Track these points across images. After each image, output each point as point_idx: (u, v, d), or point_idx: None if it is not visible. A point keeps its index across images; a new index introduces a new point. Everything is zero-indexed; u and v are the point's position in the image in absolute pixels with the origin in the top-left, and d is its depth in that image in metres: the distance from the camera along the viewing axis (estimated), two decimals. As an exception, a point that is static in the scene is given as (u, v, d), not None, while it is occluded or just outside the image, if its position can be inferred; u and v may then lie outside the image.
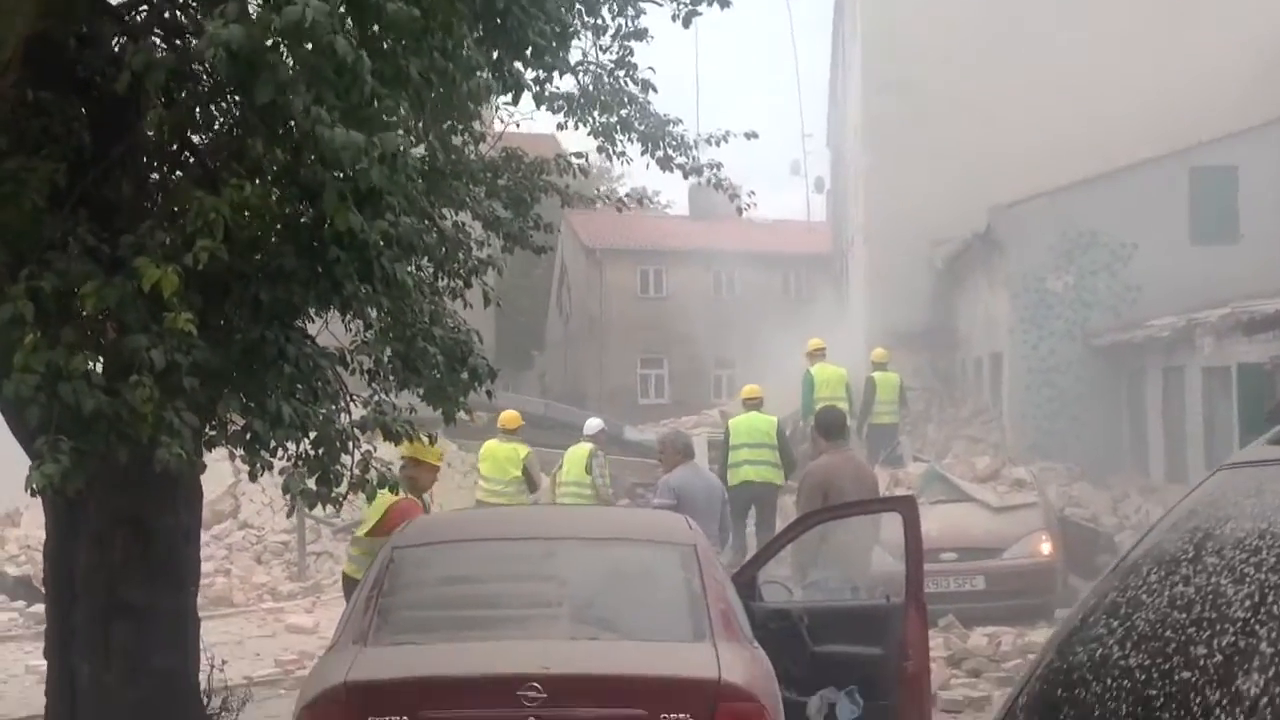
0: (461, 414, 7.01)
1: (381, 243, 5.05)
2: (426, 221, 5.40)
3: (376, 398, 6.32)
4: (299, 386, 5.54)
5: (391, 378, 6.45)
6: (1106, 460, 19.15)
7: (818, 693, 7.45)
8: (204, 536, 17.37)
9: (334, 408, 5.90)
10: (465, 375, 6.71)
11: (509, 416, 14.89)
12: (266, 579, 16.25)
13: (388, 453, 6.63)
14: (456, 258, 7.13)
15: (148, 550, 6.24)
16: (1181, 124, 19.80)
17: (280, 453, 5.62)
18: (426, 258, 6.07)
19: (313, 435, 5.61)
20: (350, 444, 5.81)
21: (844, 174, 32.78)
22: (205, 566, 16.50)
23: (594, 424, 15.64)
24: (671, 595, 6.09)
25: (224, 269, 4.88)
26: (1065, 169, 20.41)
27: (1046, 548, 13.81)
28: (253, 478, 5.74)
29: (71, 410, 4.66)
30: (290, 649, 12.47)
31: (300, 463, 5.65)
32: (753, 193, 9.83)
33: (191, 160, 5.75)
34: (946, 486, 14.70)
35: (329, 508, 5.93)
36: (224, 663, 8.82)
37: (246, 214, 4.79)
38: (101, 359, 4.95)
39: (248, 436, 5.41)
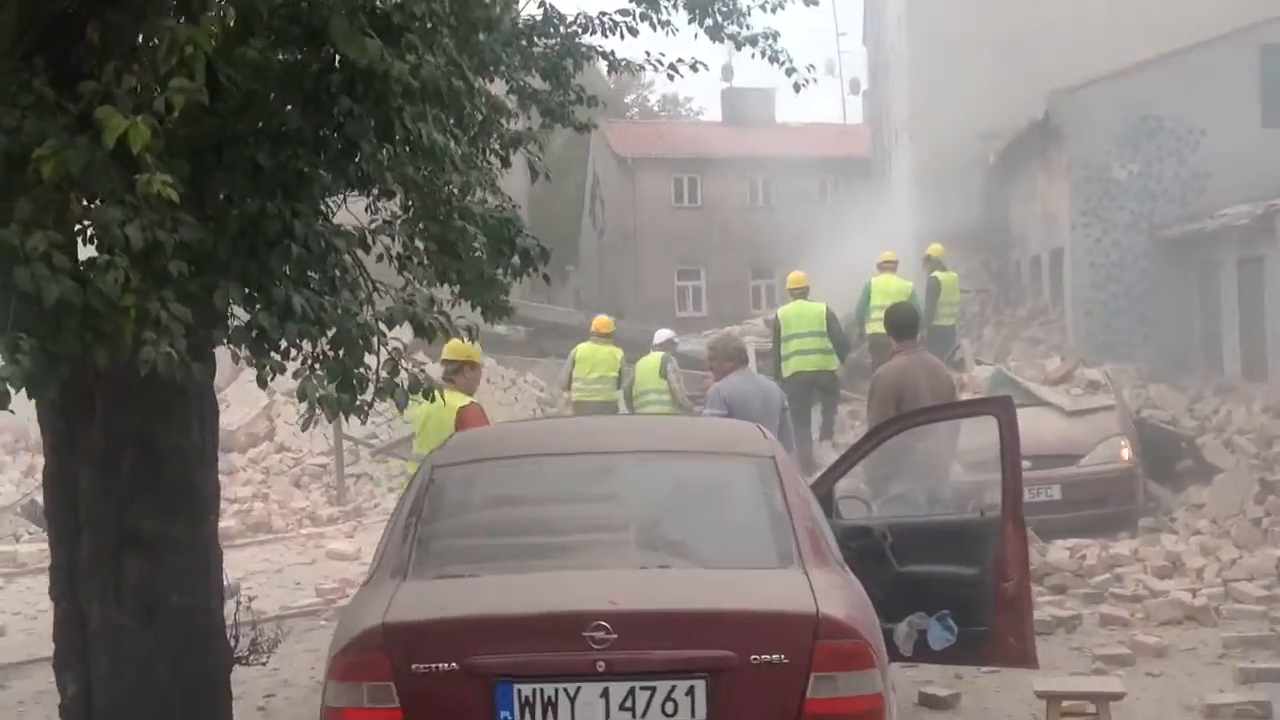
0: (500, 328, 6.11)
1: (402, 93, 4.15)
2: (454, 68, 4.48)
3: (407, 287, 5.36)
4: (312, 274, 4.64)
5: (425, 264, 5.53)
6: (1176, 360, 18.19)
7: (905, 619, 6.67)
8: (240, 460, 17.02)
9: (355, 299, 4.97)
10: (515, 259, 5.79)
11: (602, 321, 16.06)
12: (305, 503, 15.61)
13: (420, 353, 5.75)
14: (494, 123, 6.13)
15: (159, 473, 5.41)
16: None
17: (293, 353, 4.73)
18: (456, 120, 5.09)
19: (330, 332, 4.72)
20: (375, 341, 4.92)
21: (884, 71, 31.52)
22: (243, 491, 16.07)
23: (664, 333, 16.02)
24: (751, 515, 5.26)
25: (215, 130, 4.01)
26: (1126, 51, 19.24)
27: (1126, 453, 12.93)
28: (262, 383, 4.83)
29: (32, 300, 3.83)
30: (331, 576, 11.82)
31: (317, 365, 4.78)
32: (811, 66, 8.77)
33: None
34: (1016, 390, 13.76)
35: (360, 421, 5.09)
36: (251, 599, 8.10)
37: (237, 61, 3.88)
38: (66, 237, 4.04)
39: (253, 334, 4.52)
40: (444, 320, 5.10)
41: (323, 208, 5.00)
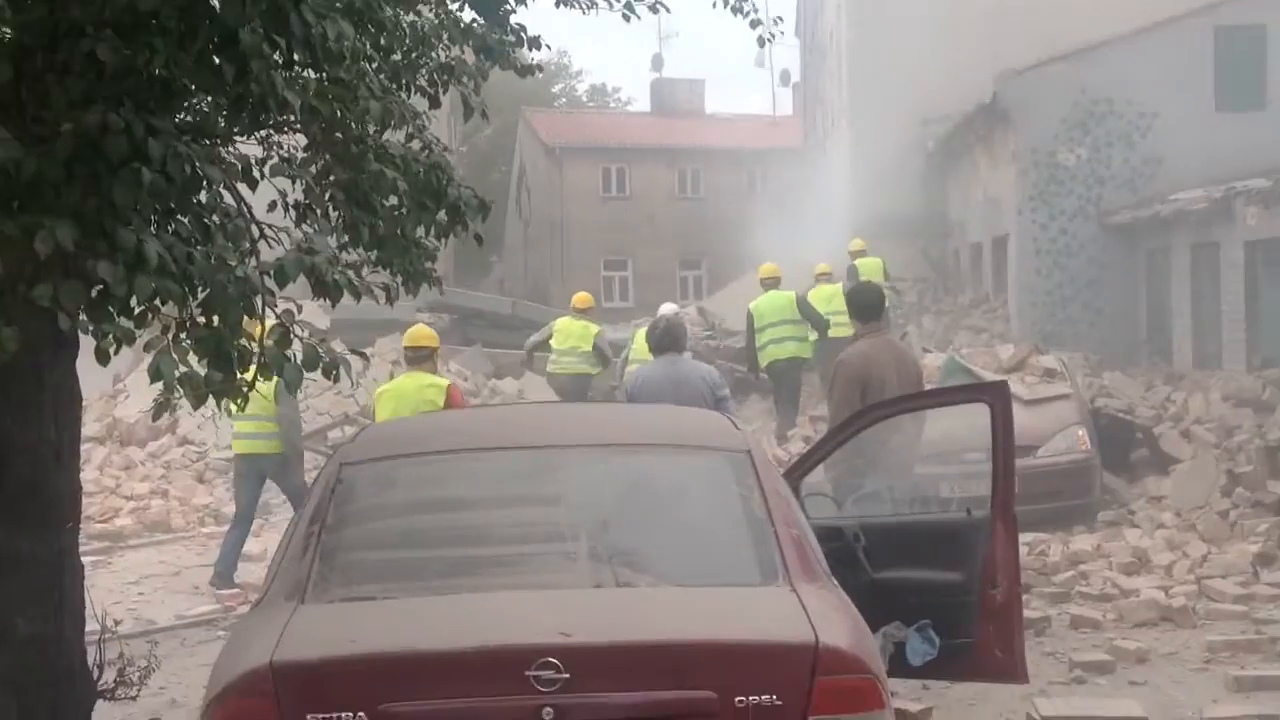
0: (424, 314, 5.11)
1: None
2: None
3: (306, 237, 4.23)
4: (179, 217, 3.67)
5: (332, 214, 4.52)
6: (1123, 349, 17.67)
7: (880, 630, 5.86)
8: (139, 454, 15.88)
9: (234, 249, 3.93)
10: (442, 214, 4.83)
11: (581, 297, 16.12)
12: (209, 500, 14.48)
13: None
14: (420, 52, 5.09)
15: (3, 476, 4.43)
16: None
17: (150, 318, 3.73)
18: (373, 43, 4.10)
19: (201, 291, 3.71)
20: (260, 303, 3.89)
21: (820, 59, 30.89)
22: (140, 488, 14.92)
23: (669, 307, 15.39)
24: (727, 520, 4.38)
25: (44, 20, 3.06)
26: (1076, 33, 18.65)
27: (1084, 443, 12.29)
28: (102, 358, 3.74)
29: None
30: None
31: (183, 334, 3.76)
32: (779, 19, 7.85)
33: None
34: (969, 378, 13.12)
35: (237, 408, 4.13)
36: (117, 623, 7.10)
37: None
38: None
39: (92, 292, 3.46)
40: (352, 277, 4.09)
41: (197, 132, 3.94)
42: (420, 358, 9.29)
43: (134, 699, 5.81)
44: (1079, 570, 10.12)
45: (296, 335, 3.97)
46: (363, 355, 4.58)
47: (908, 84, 21.55)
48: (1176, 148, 17.61)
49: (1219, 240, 15.22)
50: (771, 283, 15.73)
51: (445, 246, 5.20)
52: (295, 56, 3.52)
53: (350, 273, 4.10)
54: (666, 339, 9.19)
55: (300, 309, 4.03)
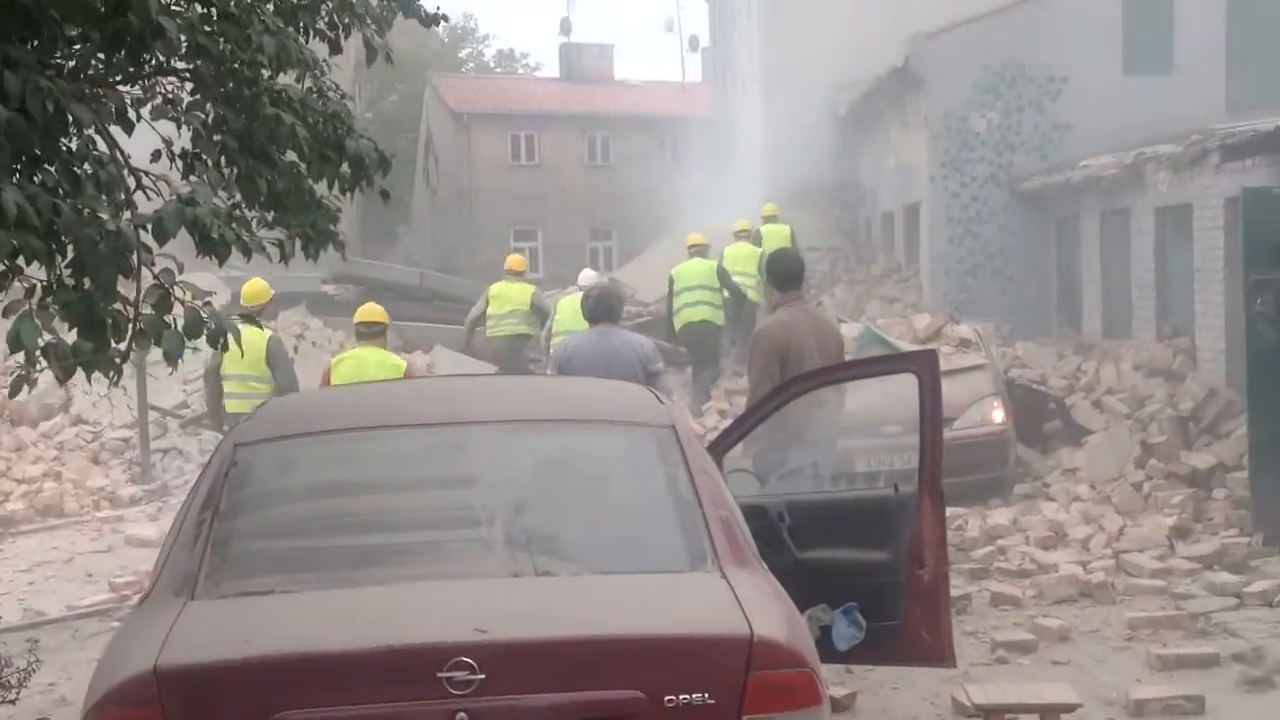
0: (329, 286, 4.71)
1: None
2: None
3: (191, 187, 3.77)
4: (43, 165, 3.26)
5: (225, 166, 4.11)
6: (1033, 318, 17.68)
7: (806, 613, 5.62)
8: (31, 435, 15.24)
9: (107, 200, 3.50)
10: (345, 167, 4.45)
11: (515, 260, 16.35)
12: (104, 482, 13.91)
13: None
14: None
15: None
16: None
17: (10, 279, 3.32)
18: None
19: (69, 249, 3.31)
20: (135, 260, 3.45)
21: (730, 23, 30.59)
22: (32, 470, 14.19)
23: (590, 274, 16.29)
24: (652, 502, 4.09)
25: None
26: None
27: (999, 415, 12.20)
28: None
29: None
30: (130, 566, 10.27)
31: (49, 298, 3.35)
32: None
33: None
34: (885, 348, 12.96)
35: (111, 382, 3.73)
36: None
37: None
38: None
39: None
40: (240, 232, 3.70)
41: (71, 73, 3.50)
42: (373, 333, 9.52)
43: (13, 703, 5.40)
44: (997, 545, 10.03)
45: (178, 299, 3.55)
46: (255, 321, 4.21)
47: (819, 48, 21.32)
48: (1086, 113, 17.56)
49: (1129, 207, 15.20)
50: (698, 250, 15.93)
51: (351, 204, 4.81)
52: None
53: (238, 228, 3.67)
54: (599, 308, 8.82)
55: (182, 268, 3.62)
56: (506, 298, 15.66)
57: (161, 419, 15.18)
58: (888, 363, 6.90)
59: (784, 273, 8.35)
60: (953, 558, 9.59)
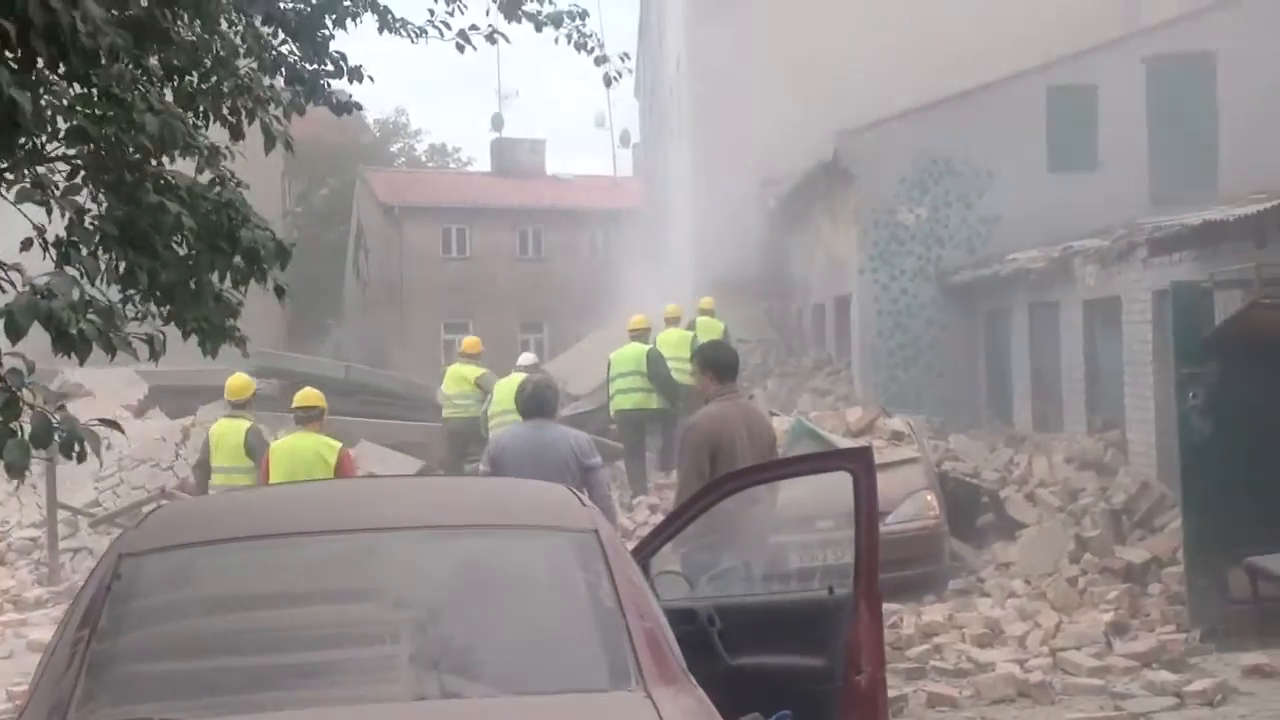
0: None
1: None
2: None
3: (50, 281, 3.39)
4: None
5: (100, 253, 3.82)
6: (964, 411, 17.60)
7: (738, 721, 5.39)
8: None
9: None
10: (238, 259, 4.22)
11: (470, 341, 16.89)
12: (10, 584, 13.39)
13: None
14: (218, 71, 4.39)
15: None
16: (1040, 36, 18.31)
17: None
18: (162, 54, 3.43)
19: None
20: None
21: (658, 120, 30.80)
22: (-65, 569, 13.85)
23: (528, 356, 16.74)
24: (572, 614, 3.84)
25: None
26: (916, 92, 18.70)
27: (933, 509, 12.03)
28: None
29: None
30: (30, 674, 9.75)
31: None
32: (625, 55, 7.44)
33: None
34: (817, 442, 12.79)
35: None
36: None
37: None
38: None
39: None
40: (101, 325, 3.41)
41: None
42: (310, 417, 9.89)
43: None
44: (933, 644, 9.80)
45: (27, 403, 3.25)
46: (115, 425, 3.92)
47: (749, 143, 21.41)
48: (1012, 207, 17.64)
49: (1058, 300, 15.22)
50: (638, 335, 16.11)
51: (244, 297, 4.55)
52: (39, 54, 2.86)
53: (97, 320, 3.38)
54: (534, 403, 8.55)
55: (32, 368, 3.31)
56: (459, 377, 16.13)
57: (72, 518, 14.69)
58: (822, 460, 6.65)
59: (723, 363, 8.13)
60: (888, 657, 9.38)
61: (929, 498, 12.12)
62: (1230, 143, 17.46)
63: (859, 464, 5.52)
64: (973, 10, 20.12)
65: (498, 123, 46.82)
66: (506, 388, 14.52)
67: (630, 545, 5.41)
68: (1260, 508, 9.41)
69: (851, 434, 12.98)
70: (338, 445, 9.73)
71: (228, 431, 11.28)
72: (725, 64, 21.81)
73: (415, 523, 4.17)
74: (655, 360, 15.60)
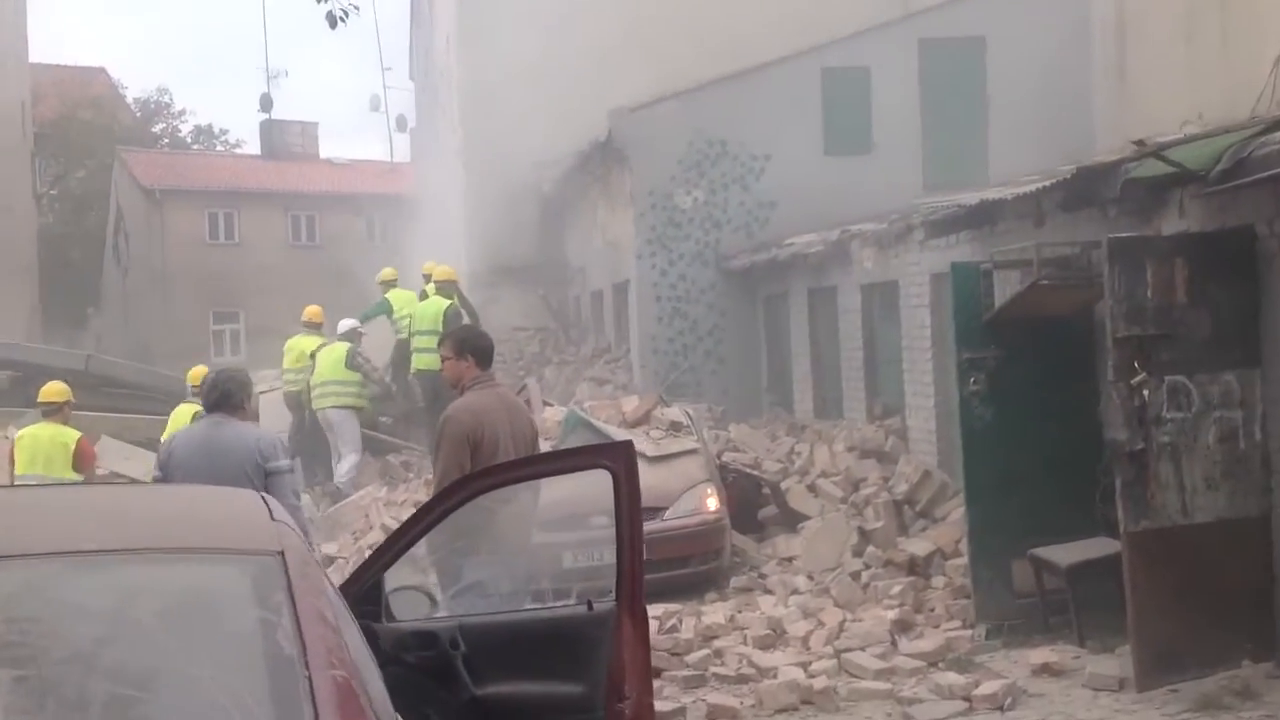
0: None
1: None
2: None
3: None
4: None
5: None
6: (745, 398, 17.27)
7: (485, 765, 4.70)
8: None
9: None
10: None
11: (313, 311, 16.54)
12: None
13: None
14: None
15: None
16: (825, 17, 18.04)
17: None
18: None
19: None
20: None
21: (433, 99, 29.78)
22: None
23: (348, 322, 16.40)
24: (238, 664, 2.95)
25: None
26: (699, 72, 18.21)
27: (713, 503, 11.57)
28: None
29: None
30: None
31: None
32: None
33: None
34: (592, 433, 12.20)
35: None
36: None
37: None
38: None
39: None
40: None
41: None
42: (52, 410, 10.80)
43: None
44: (713, 648, 9.27)
45: None
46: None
47: (521, 124, 20.68)
48: (789, 191, 17.31)
49: (836, 284, 14.94)
50: (388, 285, 17.07)
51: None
52: None
53: None
54: (216, 394, 7.46)
55: None
56: (298, 351, 15.94)
57: None
58: (577, 457, 5.91)
59: (483, 348, 7.41)
60: (666, 664, 8.86)
61: (709, 491, 11.66)
62: (999, 127, 17.48)
63: (619, 461, 4.83)
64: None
65: (266, 104, 45.03)
66: (330, 359, 15.28)
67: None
68: (1043, 496, 9.15)
69: (628, 424, 12.44)
70: (75, 434, 10.54)
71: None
72: (495, 41, 21.00)
73: (46, 548, 3.21)
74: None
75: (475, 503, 5.38)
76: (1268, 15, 13.28)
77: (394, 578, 5.07)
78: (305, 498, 13.48)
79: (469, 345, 7.41)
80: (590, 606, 4.91)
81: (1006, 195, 10.07)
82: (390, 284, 17.67)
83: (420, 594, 5.36)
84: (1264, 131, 7.67)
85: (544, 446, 12.07)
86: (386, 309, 17.25)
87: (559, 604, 5.55)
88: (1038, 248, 8.98)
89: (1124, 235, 8.16)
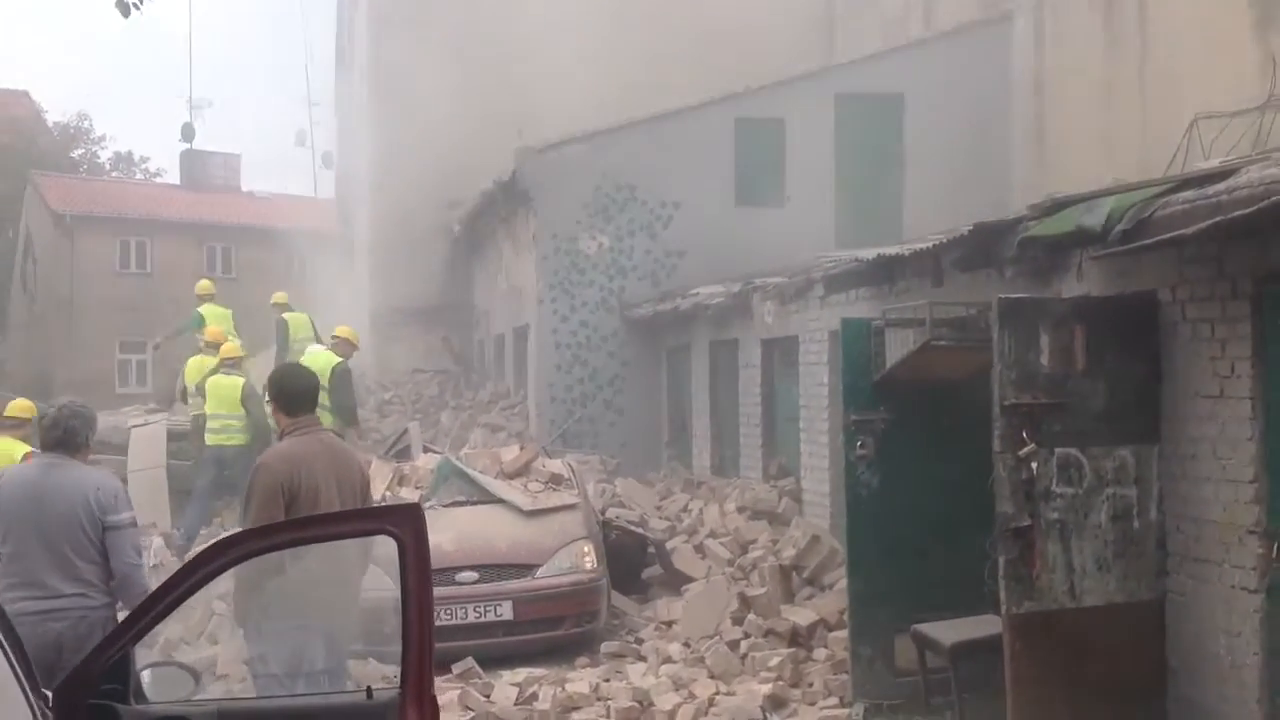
0: None
1: None
2: None
3: None
4: None
5: None
6: (645, 452, 16.68)
7: None
8: None
9: None
10: None
11: (230, 346, 15.60)
12: None
13: None
14: None
15: None
16: (731, 65, 17.65)
17: None
18: None
19: None
20: None
21: (350, 135, 29.14)
22: None
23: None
24: None
25: None
26: (601, 115, 17.74)
27: (590, 561, 10.93)
28: None
29: None
30: None
31: None
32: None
33: None
34: (466, 484, 11.58)
35: None
36: None
37: None
38: None
39: None
40: None
41: None
42: (11, 425, 10.56)
43: None
44: (571, 720, 8.61)
45: None
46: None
47: (432, 162, 20.09)
48: (698, 241, 16.83)
49: (737, 338, 14.41)
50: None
51: None
52: None
53: None
54: (58, 431, 6.59)
55: None
56: (220, 394, 14.89)
57: None
58: (361, 520, 5.21)
59: (295, 392, 6.74)
60: (518, 741, 8.17)
61: (586, 548, 11.03)
62: (916, 185, 17.13)
63: (406, 526, 4.16)
64: (670, 40, 19.36)
65: (188, 133, 44.15)
66: (226, 390, 14.81)
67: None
68: (930, 569, 8.59)
69: (505, 475, 11.79)
70: (26, 450, 9.95)
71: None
72: (407, 77, 20.42)
73: None
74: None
75: (280, 564, 4.74)
76: (1185, 79, 13.02)
77: (145, 653, 4.40)
78: (157, 540, 12.71)
79: (278, 390, 6.79)
80: (370, 694, 4.24)
81: (904, 251, 9.58)
82: (284, 307, 17.89)
83: (181, 671, 4.69)
84: (1168, 191, 7.22)
85: (413, 496, 11.44)
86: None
87: (335, 690, 4.88)
88: (931, 306, 8.46)
89: (1015, 296, 7.64)
